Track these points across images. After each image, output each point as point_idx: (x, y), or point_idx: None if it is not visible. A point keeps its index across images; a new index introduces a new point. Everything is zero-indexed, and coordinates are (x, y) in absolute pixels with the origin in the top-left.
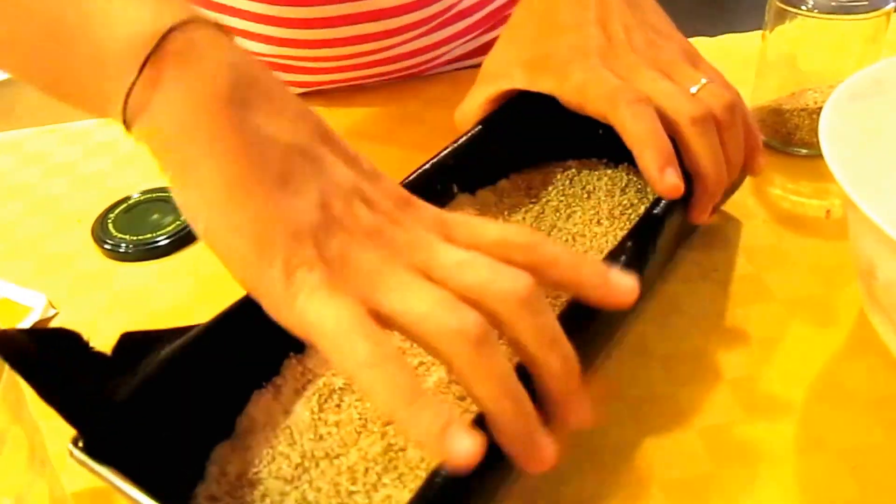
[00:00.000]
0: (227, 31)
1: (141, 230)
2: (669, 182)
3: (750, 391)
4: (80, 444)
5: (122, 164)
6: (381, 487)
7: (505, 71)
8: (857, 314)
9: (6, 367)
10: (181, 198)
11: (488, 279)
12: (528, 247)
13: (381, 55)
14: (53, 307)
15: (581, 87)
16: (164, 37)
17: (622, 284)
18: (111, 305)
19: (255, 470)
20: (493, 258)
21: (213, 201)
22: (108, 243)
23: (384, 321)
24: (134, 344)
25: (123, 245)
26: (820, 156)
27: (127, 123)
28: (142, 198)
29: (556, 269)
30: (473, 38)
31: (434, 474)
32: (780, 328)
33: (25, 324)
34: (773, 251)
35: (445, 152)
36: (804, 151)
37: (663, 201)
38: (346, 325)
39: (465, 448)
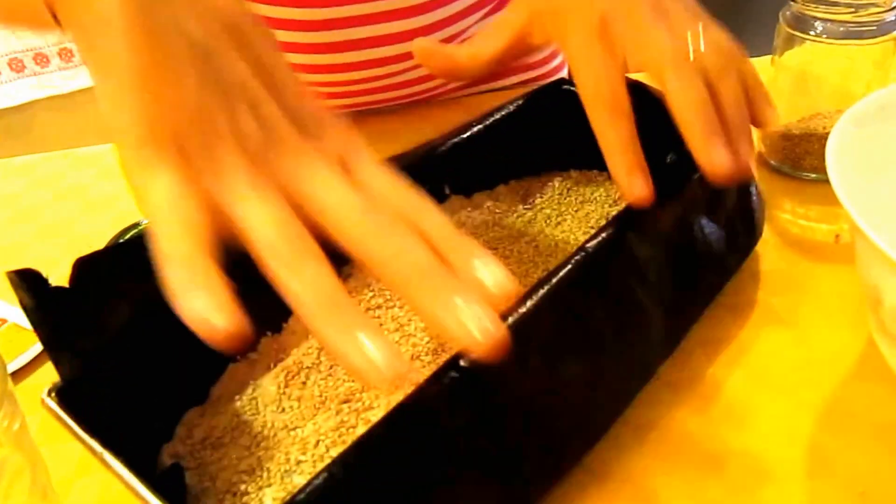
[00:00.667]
0: None
1: None
2: (635, 188)
3: (758, 416)
4: (52, 394)
5: None
6: (328, 459)
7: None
8: (866, 339)
9: (5, 394)
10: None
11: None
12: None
13: (392, 80)
14: None
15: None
16: None
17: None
18: None
19: (218, 435)
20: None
21: (107, 91)
22: None
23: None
24: (90, 268)
25: None
26: (828, 181)
27: (58, 21)
28: (144, 228)
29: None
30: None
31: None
32: (789, 353)
33: (34, 350)
34: (782, 275)
35: (440, 150)
36: (813, 176)
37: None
38: (169, 211)
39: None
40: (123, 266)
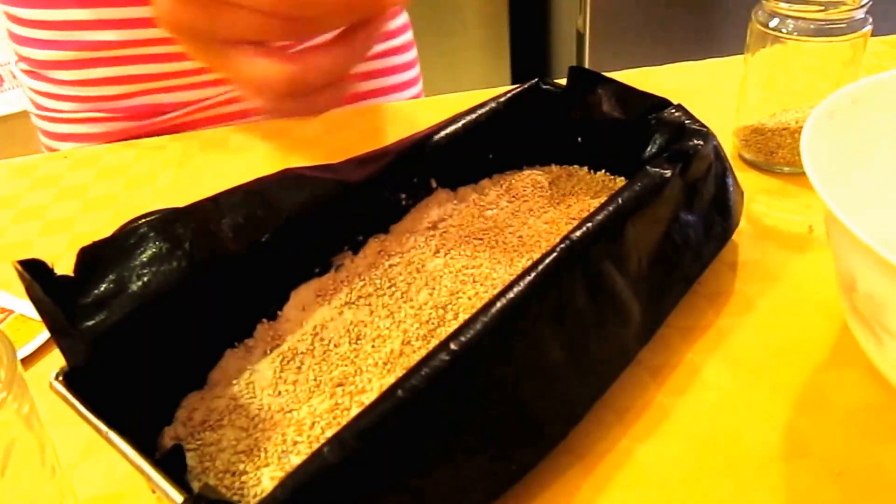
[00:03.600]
0: None
1: None
2: None
3: (736, 400)
4: (60, 378)
5: (133, 186)
6: (323, 440)
7: None
8: (840, 326)
9: (15, 378)
10: None
11: None
12: None
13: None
14: None
15: None
16: None
17: None
18: None
19: (217, 417)
20: None
21: None
22: None
23: None
24: (93, 255)
25: None
26: (802, 173)
27: None
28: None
29: None
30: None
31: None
32: (765, 340)
33: (40, 339)
34: (758, 265)
35: (427, 146)
36: (786, 169)
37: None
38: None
39: None
40: (126, 256)
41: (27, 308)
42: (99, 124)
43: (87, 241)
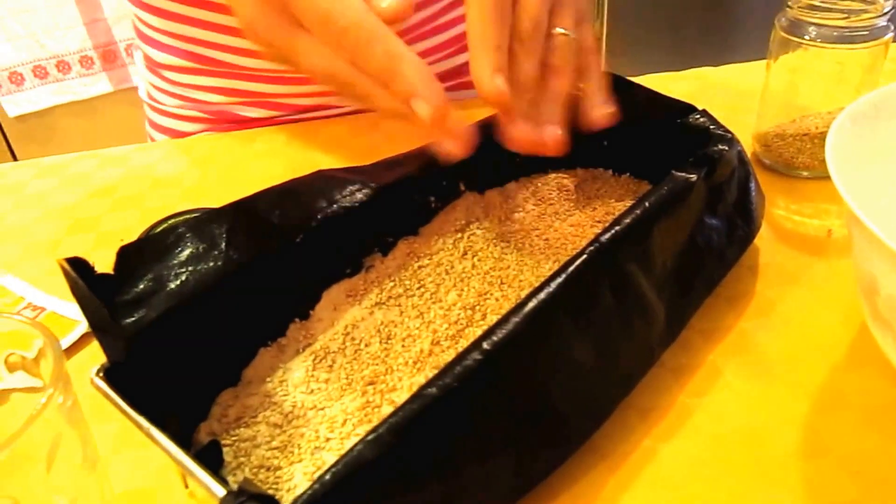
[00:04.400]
0: None
1: None
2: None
3: (756, 401)
4: (101, 374)
5: (160, 186)
6: (354, 437)
7: None
8: (857, 328)
9: (61, 373)
10: None
11: None
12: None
13: None
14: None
15: None
16: None
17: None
18: None
19: (251, 414)
20: None
21: None
22: None
23: None
24: (133, 254)
25: None
26: (820, 178)
27: None
28: (181, 218)
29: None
30: (447, 56)
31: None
32: (785, 342)
33: (73, 336)
34: (778, 268)
35: None
36: (806, 174)
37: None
38: None
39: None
40: (163, 255)
41: (59, 305)
42: (195, 123)
43: (114, 241)
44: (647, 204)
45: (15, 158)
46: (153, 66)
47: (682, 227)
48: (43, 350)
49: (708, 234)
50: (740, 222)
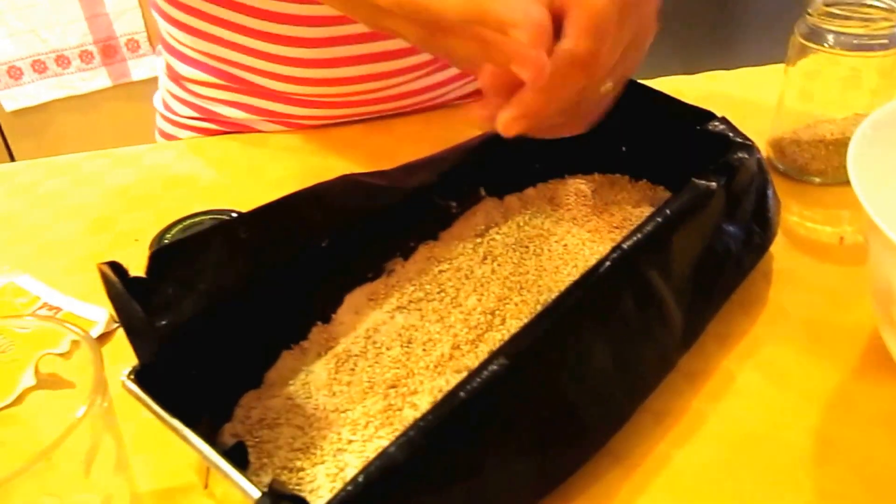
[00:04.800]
0: None
1: None
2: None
3: (769, 406)
4: (132, 376)
5: (172, 186)
6: (376, 439)
7: None
8: (869, 335)
9: (102, 379)
10: None
11: None
12: None
13: (384, 93)
14: (115, 321)
15: None
16: None
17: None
18: None
19: (274, 416)
20: None
21: None
22: None
23: None
24: (165, 257)
25: None
26: (833, 184)
27: None
28: (197, 219)
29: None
30: (471, 80)
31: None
32: (797, 348)
33: None
34: (791, 275)
35: (475, 154)
36: (818, 180)
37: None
38: None
39: None
40: (192, 259)
41: (75, 306)
42: (209, 136)
43: (129, 241)
44: (668, 211)
45: (11, 154)
46: (176, 77)
47: (702, 234)
48: (70, 350)
49: (726, 242)
50: (757, 229)
